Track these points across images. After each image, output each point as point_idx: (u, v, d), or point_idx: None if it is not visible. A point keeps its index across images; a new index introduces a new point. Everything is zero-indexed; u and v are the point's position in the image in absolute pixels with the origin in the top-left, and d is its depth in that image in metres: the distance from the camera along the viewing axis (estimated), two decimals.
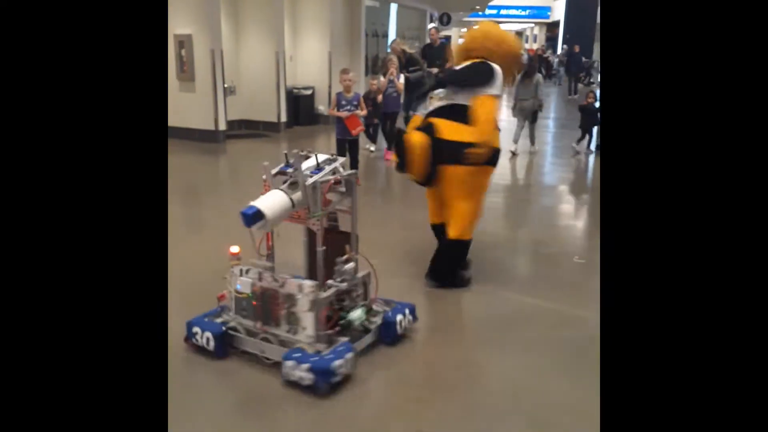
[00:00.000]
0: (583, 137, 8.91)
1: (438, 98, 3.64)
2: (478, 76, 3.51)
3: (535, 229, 5.45)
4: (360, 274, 2.99)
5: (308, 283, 2.73)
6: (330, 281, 2.87)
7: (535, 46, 31.93)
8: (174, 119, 9.54)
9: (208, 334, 2.89)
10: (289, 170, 2.82)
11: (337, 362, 2.58)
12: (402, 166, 3.56)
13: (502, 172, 6.66)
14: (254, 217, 2.62)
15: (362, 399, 2.66)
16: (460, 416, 2.52)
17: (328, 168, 2.83)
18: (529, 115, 8.52)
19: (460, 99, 3.52)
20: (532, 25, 36.84)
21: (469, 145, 3.38)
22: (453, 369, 2.92)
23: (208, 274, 3.73)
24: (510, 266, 4.34)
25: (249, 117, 10.77)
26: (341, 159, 2.93)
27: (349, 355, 2.66)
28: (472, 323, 3.56)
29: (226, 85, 9.54)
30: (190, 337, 2.95)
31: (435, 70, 8.61)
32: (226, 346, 2.90)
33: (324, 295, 2.75)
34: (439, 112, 3.55)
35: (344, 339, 2.79)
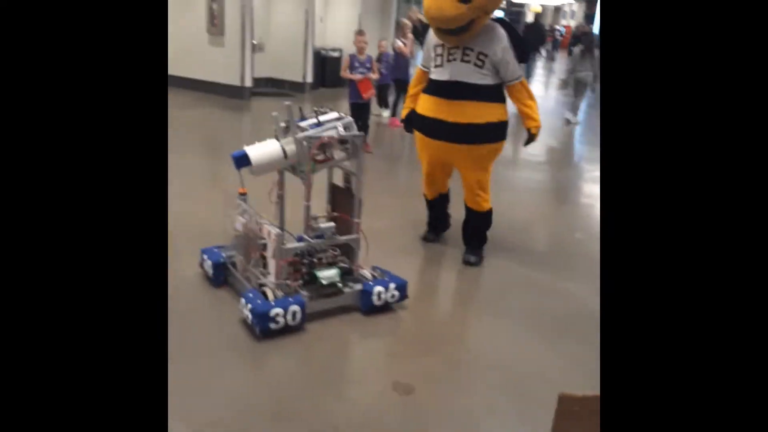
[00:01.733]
0: None
1: None
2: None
3: (532, 201, 5.49)
4: (347, 237, 3.06)
5: (274, 231, 2.86)
6: (303, 236, 3.01)
7: (572, 23, 31.23)
8: (201, 72, 9.68)
9: (209, 262, 3.19)
10: (301, 123, 2.89)
11: (276, 310, 2.68)
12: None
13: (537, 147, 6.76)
14: (240, 160, 2.79)
15: (342, 350, 2.79)
16: (437, 371, 2.64)
17: (328, 125, 2.88)
18: (584, 86, 9.03)
19: None
20: (572, 1, 35.94)
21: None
22: (436, 329, 3.04)
23: (221, 224, 3.87)
24: (509, 238, 4.40)
25: (275, 75, 10.84)
26: (347, 119, 2.97)
27: (294, 308, 2.73)
28: (462, 289, 3.66)
29: (254, 42, 9.61)
30: (202, 262, 3.28)
31: None
32: (221, 276, 3.18)
33: (287, 246, 2.88)
34: None
35: (304, 293, 2.88)
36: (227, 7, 9.24)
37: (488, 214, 3.77)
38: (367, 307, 3.00)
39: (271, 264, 2.89)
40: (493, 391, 2.54)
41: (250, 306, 2.73)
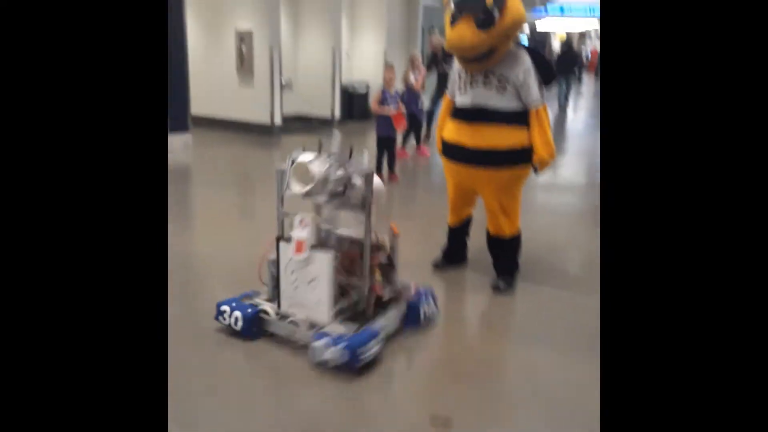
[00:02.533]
0: None
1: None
2: None
3: (569, 225, 5.40)
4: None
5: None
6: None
7: (597, 45, 31.18)
8: (232, 112, 9.91)
9: (237, 314, 2.99)
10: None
11: (370, 343, 2.73)
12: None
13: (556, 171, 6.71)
14: None
15: (380, 381, 2.72)
16: (476, 403, 2.57)
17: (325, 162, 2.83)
18: None
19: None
20: (597, 26, 35.97)
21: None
22: (474, 358, 2.97)
23: (254, 258, 3.89)
24: (543, 262, 4.33)
25: (304, 112, 11.03)
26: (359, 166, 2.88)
27: (377, 340, 2.78)
28: (496, 314, 3.57)
29: (283, 81, 9.80)
30: (218, 316, 3.03)
31: None
32: (254, 327, 3.01)
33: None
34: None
35: (375, 323, 2.90)
36: (255, 48, 9.48)
37: (511, 240, 3.70)
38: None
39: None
40: (534, 420, 2.46)
41: (342, 344, 2.70)
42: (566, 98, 14.43)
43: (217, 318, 3.03)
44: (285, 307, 2.97)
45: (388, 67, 6.76)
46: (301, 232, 2.85)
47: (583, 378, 2.73)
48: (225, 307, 3.00)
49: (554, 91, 14.52)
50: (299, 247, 2.86)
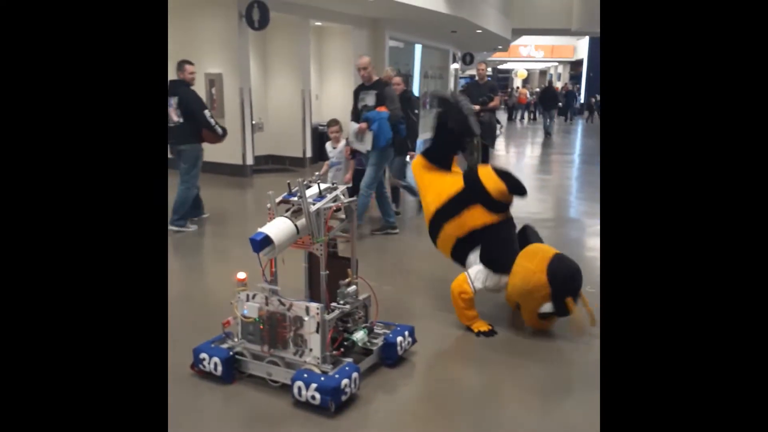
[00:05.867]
0: None
1: None
2: None
3: None
4: (360, 297, 3.14)
5: (314, 306, 2.84)
6: (334, 303, 3.01)
7: (559, 84, 32.21)
8: (204, 154, 9.96)
9: (215, 359, 2.98)
10: (293, 198, 2.99)
11: (345, 381, 2.70)
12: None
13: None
14: (262, 242, 2.74)
15: (366, 418, 2.76)
16: None
17: (330, 195, 3.00)
18: None
19: None
20: (556, 63, 37.20)
21: None
22: (457, 389, 3.06)
23: (230, 299, 3.92)
24: None
25: (276, 152, 11.15)
26: (341, 187, 3.11)
27: (355, 375, 2.78)
28: (477, 346, 3.67)
29: (254, 122, 9.93)
30: (196, 364, 3.04)
31: (477, 108, 7.66)
32: (233, 370, 3.01)
33: (330, 316, 2.89)
34: None
35: (348, 360, 2.91)
36: (225, 91, 9.62)
37: None
38: (393, 359, 3.18)
39: (313, 339, 2.85)
40: None
41: (315, 385, 2.69)
42: (548, 130, 18.47)
43: (197, 365, 3.02)
44: (266, 349, 2.99)
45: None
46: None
47: (571, 412, 2.84)
48: (203, 354, 3.01)
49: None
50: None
